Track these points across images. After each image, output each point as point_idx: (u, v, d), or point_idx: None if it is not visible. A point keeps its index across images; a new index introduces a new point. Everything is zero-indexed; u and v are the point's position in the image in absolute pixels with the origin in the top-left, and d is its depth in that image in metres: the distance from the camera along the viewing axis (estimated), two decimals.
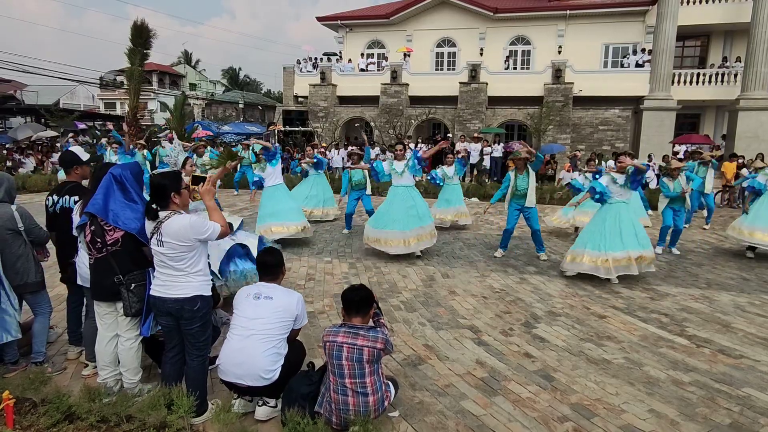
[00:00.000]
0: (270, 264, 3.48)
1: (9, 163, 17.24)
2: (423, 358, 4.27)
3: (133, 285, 3.33)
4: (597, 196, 6.64)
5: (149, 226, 3.17)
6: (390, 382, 3.34)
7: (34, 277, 3.95)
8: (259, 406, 3.30)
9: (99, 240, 3.31)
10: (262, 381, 3.18)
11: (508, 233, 7.84)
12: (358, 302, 3.22)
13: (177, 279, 3.14)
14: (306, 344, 3.79)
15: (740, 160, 14.40)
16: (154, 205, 3.14)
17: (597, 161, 11.11)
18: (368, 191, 9.67)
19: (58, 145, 21.72)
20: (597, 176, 7.41)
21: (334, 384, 3.09)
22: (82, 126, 28.43)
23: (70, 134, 24.20)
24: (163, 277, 3.17)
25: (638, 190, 8.32)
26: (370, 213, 9.31)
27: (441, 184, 9.85)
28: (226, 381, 3.30)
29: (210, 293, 3.29)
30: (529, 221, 7.68)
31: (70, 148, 4.34)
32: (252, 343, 3.19)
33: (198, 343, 3.25)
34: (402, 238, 7.32)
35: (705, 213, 10.84)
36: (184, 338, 3.26)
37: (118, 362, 3.48)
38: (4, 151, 18.74)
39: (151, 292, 3.24)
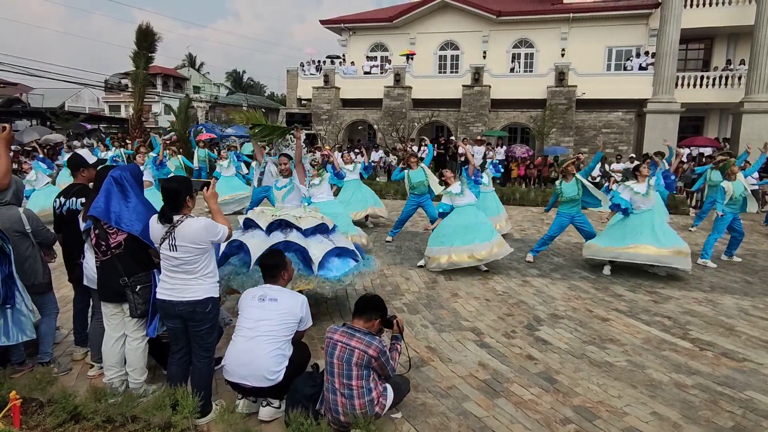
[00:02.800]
0: (269, 266, 3.53)
1: (15, 166, 17.35)
2: (426, 360, 4.29)
3: (138, 287, 3.36)
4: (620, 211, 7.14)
5: (160, 230, 3.18)
6: (389, 386, 3.28)
7: (42, 279, 3.98)
8: (263, 406, 3.33)
9: (103, 243, 3.35)
10: (267, 382, 3.21)
11: (549, 239, 7.82)
12: (363, 305, 3.28)
13: (188, 282, 3.18)
14: (310, 346, 3.81)
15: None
16: (167, 209, 3.17)
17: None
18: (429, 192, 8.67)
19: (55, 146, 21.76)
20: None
21: (326, 382, 3.16)
22: (90, 127, 28.60)
23: (76, 140, 24.29)
24: (172, 281, 3.20)
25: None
26: (432, 220, 8.11)
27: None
28: (230, 381, 3.33)
29: (218, 294, 3.34)
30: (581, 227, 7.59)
31: (77, 151, 4.38)
32: (257, 345, 3.23)
33: (206, 344, 3.30)
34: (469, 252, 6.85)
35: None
36: (192, 340, 3.30)
37: (124, 363, 3.52)
38: (10, 154, 18.83)
39: (158, 296, 3.26)
